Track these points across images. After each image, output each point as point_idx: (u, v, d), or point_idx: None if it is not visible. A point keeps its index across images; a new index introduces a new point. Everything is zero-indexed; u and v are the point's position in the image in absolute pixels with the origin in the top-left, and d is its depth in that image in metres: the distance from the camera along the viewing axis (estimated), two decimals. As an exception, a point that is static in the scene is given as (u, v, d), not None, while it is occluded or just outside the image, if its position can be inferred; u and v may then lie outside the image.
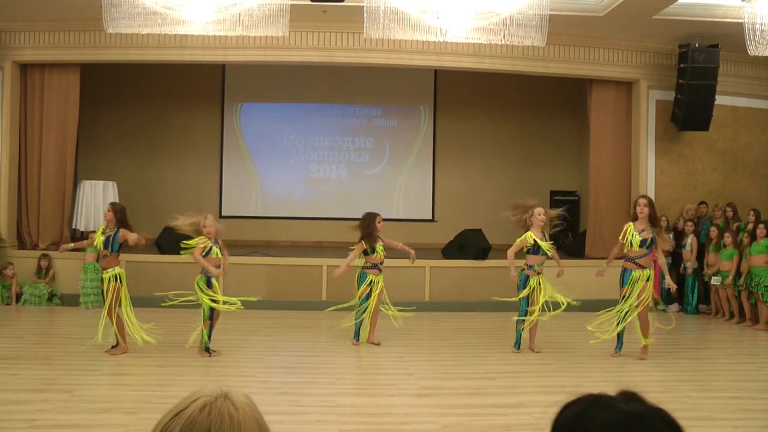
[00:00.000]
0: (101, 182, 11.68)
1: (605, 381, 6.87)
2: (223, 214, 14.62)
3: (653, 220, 7.72)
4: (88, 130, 13.49)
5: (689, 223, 11.58)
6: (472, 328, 9.89)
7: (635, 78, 12.19)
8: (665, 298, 11.71)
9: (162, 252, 11.18)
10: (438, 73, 14.59)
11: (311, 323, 10.01)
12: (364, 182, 14.87)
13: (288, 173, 14.78)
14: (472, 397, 6.35)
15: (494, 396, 6.39)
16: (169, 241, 11.29)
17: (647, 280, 7.69)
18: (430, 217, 14.81)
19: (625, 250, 7.79)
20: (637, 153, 12.25)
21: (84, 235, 11.50)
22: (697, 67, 11.37)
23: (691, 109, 11.59)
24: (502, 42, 8.34)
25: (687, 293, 11.46)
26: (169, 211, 13.42)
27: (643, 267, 7.67)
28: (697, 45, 11.38)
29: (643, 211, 7.68)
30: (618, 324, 7.85)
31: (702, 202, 12.18)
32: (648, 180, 12.21)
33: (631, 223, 7.82)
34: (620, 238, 7.88)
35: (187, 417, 1.17)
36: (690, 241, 11.44)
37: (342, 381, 6.87)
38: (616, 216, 12.05)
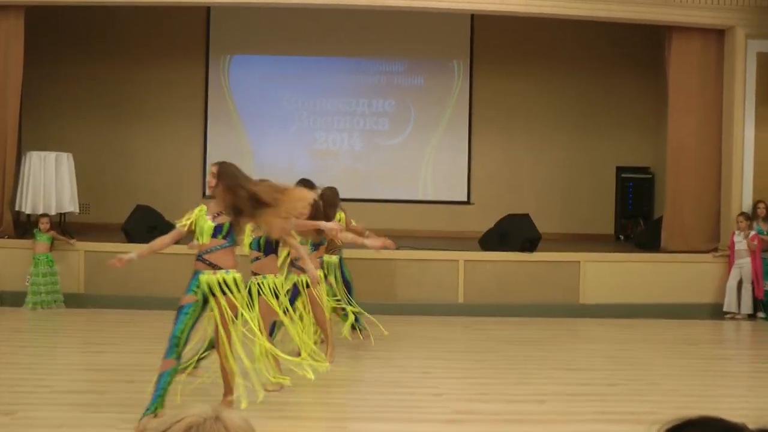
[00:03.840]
0: (53, 153, 11.63)
1: (686, 408, 6.73)
2: (207, 193, 14.59)
3: (237, 203, 6.04)
4: (36, 89, 13.44)
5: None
6: (517, 337, 9.83)
7: (729, 24, 11.96)
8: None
9: (130, 240, 11.15)
10: (475, 20, 14.44)
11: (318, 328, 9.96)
12: (383, 155, 14.82)
13: (288, 143, 14.74)
14: (516, 424, 6.30)
15: (543, 424, 6.34)
16: (139, 227, 11.28)
17: (230, 288, 6.07)
18: (465, 199, 14.73)
19: (197, 240, 6.25)
20: (730, 121, 12.05)
21: (29, 219, 11.50)
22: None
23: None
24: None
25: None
26: (139, 190, 13.55)
27: (216, 267, 6.11)
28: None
29: (210, 182, 6.18)
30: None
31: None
32: (744, 155, 12.00)
33: (203, 206, 6.28)
34: (180, 224, 6.22)
35: None
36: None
37: (356, 402, 6.86)
38: (702, 199, 11.90)
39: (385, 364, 8.30)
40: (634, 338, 9.87)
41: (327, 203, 8.65)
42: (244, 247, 7.15)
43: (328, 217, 8.52)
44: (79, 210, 11.98)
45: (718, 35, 12.19)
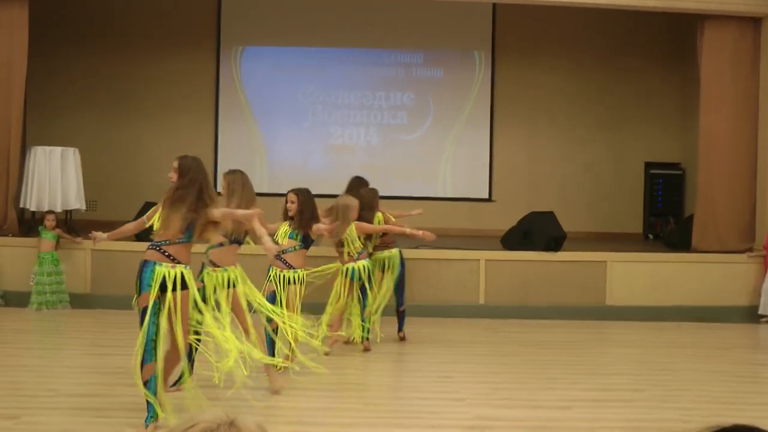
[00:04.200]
0: (59, 149, 11.66)
1: (717, 415, 6.69)
2: (218, 189, 14.61)
3: (185, 198, 6.15)
4: (41, 83, 13.54)
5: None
6: (541, 340, 9.82)
7: (765, 12, 11.90)
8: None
9: (138, 238, 11.16)
10: (498, 9, 14.45)
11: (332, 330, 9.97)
12: (401, 150, 14.83)
13: (302, 138, 14.78)
14: (540, 431, 6.30)
15: (569, 431, 6.33)
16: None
17: (185, 285, 6.09)
18: (487, 196, 14.74)
19: (153, 226, 6.32)
20: (766, 113, 11.98)
21: (34, 217, 11.55)
22: None
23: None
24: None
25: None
26: (148, 186, 13.56)
27: (176, 261, 6.09)
28: None
29: (171, 177, 6.30)
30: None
31: None
32: (782, 150, 11.93)
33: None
34: (145, 222, 6.45)
35: None
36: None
37: (371, 407, 6.84)
38: (735, 196, 11.81)
39: (403, 368, 8.33)
40: (663, 342, 9.82)
41: (365, 205, 8.70)
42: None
43: (365, 219, 8.63)
44: (86, 207, 12.03)
45: (753, 24, 12.12)
